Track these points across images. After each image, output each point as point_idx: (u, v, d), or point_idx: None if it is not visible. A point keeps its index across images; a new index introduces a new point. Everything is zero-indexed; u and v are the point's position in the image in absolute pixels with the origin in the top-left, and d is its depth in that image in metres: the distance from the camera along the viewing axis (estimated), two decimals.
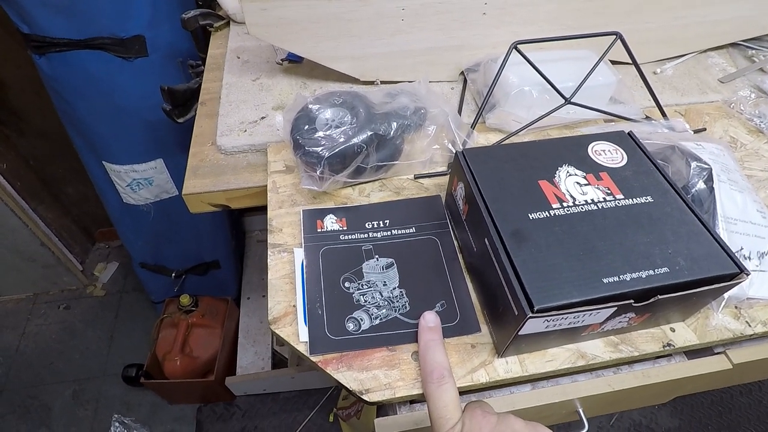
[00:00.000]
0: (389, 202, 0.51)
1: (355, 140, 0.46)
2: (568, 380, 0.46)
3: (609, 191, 0.41)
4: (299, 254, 0.46)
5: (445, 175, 0.54)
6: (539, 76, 0.54)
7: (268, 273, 0.45)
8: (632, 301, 0.34)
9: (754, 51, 0.72)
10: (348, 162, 0.47)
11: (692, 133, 0.59)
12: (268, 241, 0.47)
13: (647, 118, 0.60)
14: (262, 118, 0.60)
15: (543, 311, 0.33)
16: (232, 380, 1.26)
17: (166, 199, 1.11)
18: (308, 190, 0.51)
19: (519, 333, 0.35)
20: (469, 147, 0.48)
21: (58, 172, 1.40)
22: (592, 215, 0.39)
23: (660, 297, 0.35)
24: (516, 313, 0.34)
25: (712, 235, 0.38)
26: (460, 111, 0.62)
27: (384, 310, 0.42)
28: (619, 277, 0.35)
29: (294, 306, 0.43)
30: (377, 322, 0.41)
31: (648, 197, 0.41)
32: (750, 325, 0.44)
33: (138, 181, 1.05)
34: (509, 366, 0.40)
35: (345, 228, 0.48)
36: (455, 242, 0.48)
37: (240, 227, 1.57)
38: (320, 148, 0.46)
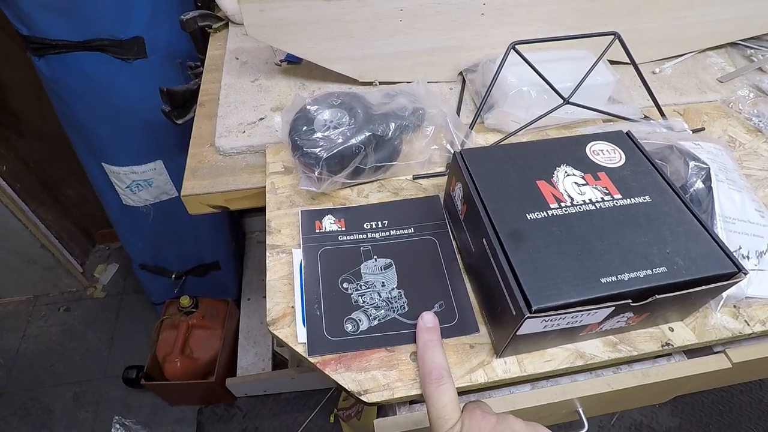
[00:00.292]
0: (388, 203, 0.51)
1: (353, 141, 0.46)
2: (567, 380, 0.46)
3: (607, 191, 0.41)
4: (298, 255, 0.46)
5: (444, 175, 0.54)
6: (537, 76, 0.54)
7: (267, 274, 0.45)
8: (630, 300, 0.34)
9: (752, 50, 0.72)
10: (346, 163, 0.47)
11: (691, 132, 0.59)
12: (267, 242, 0.47)
13: (646, 117, 0.60)
14: (261, 119, 0.60)
15: (541, 311, 0.33)
16: (233, 381, 1.26)
17: (166, 201, 1.11)
18: (307, 191, 0.51)
19: (517, 333, 0.35)
20: (467, 147, 0.48)
21: (58, 174, 1.40)
22: (590, 215, 0.39)
23: (658, 297, 0.35)
24: (514, 314, 0.34)
25: (710, 235, 0.38)
26: (458, 111, 0.62)
27: (382, 311, 0.42)
28: (617, 277, 0.35)
29: (292, 307, 0.43)
30: (376, 322, 0.41)
31: (646, 197, 0.41)
32: (749, 324, 0.44)
33: (137, 183, 1.05)
34: (508, 366, 0.40)
35: (343, 229, 0.48)
36: (454, 243, 0.48)
37: (240, 228, 1.57)
38: (318, 149, 0.46)
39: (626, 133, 0.47)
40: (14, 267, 1.44)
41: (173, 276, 1.30)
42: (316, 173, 0.46)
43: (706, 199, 0.45)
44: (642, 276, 0.35)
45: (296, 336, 0.41)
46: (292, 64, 0.67)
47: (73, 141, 1.01)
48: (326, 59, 0.61)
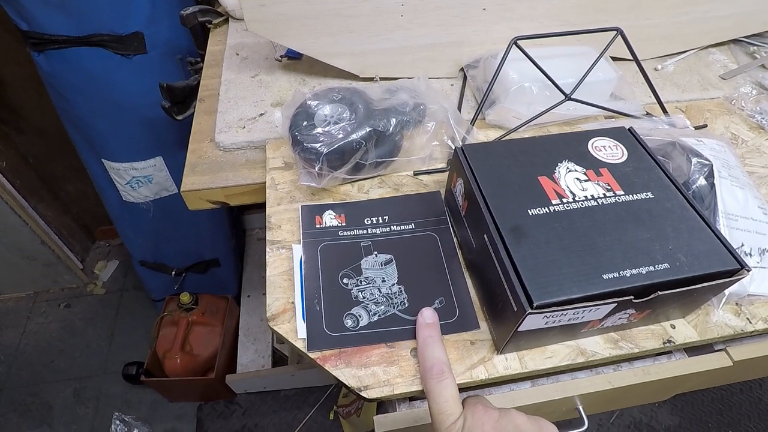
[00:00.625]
0: (388, 198, 0.51)
1: (353, 136, 0.46)
2: (568, 377, 0.46)
3: (609, 187, 0.40)
4: (298, 250, 0.46)
5: (445, 171, 0.53)
6: (539, 72, 0.53)
7: (267, 270, 0.45)
8: (632, 297, 0.34)
9: (755, 47, 0.72)
10: (347, 158, 0.47)
11: (693, 129, 0.58)
12: (267, 238, 0.47)
13: (648, 114, 0.60)
14: (261, 114, 0.60)
15: (542, 307, 0.33)
16: (233, 378, 1.26)
17: (166, 197, 1.11)
18: (307, 187, 0.51)
19: (518, 329, 0.35)
20: (468, 143, 0.48)
21: (58, 170, 1.40)
22: (592, 211, 0.38)
23: (660, 293, 0.34)
24: (515, 309, 0.34)
25: (712, 231, 0.38)
26: (459, 107, 0.62)
27: (382, 307, 0.42)
28: (619, 273, 0.35)
29: (292, 303, 0.42)
30: (376, 318, 0.41)
31: (648, 193, 0.40)
32: (751, 322, 0.44)
33: (137, 179, 1.04)
34: (508, 363, 0.40)
35: (344, 224, 0.48)
36: (454, 239, 0.47)
37: (240, 225, 1.57)
38: (319, 145, 0.45)
39: (628, 129, 0.46)
40: (14, 263, 1.44)
41: (173, 273, 1.30)
42: (316, 169, 0.46)
43: (708, 195, 0.45)
44: (644, 272, 0.35)
45: (296, 331, 0.41)
46: (293, 60, 0.67)
47: (73, 137, 1.01)
48: (327, 54, 0.60)
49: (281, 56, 0.67)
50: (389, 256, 0.45)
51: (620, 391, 0.46)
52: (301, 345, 0.40)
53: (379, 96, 0.51)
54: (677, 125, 0.56)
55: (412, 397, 0.45)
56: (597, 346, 0.41)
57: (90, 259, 1.67)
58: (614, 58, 0.62)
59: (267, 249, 0.46)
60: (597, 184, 0.41)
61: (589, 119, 0.60)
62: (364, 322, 0.41)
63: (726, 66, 0.70)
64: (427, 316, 0.40)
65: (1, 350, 1.47)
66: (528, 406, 0.44)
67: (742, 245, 0.44)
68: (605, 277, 0.34)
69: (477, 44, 0.62)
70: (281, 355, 1.35)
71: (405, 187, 0.52)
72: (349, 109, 0.48)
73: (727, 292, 0.43)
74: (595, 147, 0.44)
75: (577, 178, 0.41)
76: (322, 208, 0.49)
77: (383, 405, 0.47)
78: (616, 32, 0.56)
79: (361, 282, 0.43)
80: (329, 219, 0.48)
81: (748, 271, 0.36)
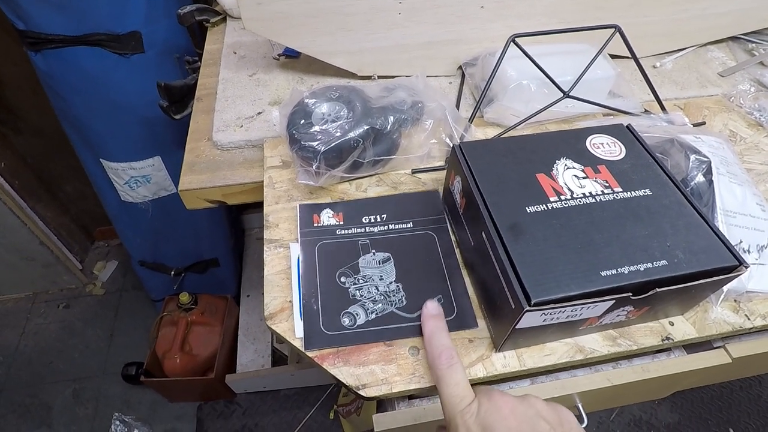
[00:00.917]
0: (386, 197, 0.51)
1: (351, 134, 0.46)
2: (567, 375, 0.46)
3: (607, 184, 0.40)
4: (295, 249, 0.46)
5: (443, 169, 0.53)
6: (537, 69, 0.53)
7: (265, 269, 0.45)
8: (630, 294, 0.34)
9: (754, 44, 0.72)
10: (344, 156, 0.47)
11: (691, 126, 0.58)
12: (265, 237, 0.47)
13: (646, 111, 0.60)
14: (259, 113, 0.60)
15: (540, 305, 0.33)
16: (233, 378, 1.26)
17: (165, 197, 1.11)
18: (305, 186, 0.51)
19: (516, 327, 0.35)
20: (466, 141, 0.48)
21: (56, 170, 1.40)
22: (590, 208, 0.38)
23: (658, 290, 0.34)
24: (513, 307, 0.34)
25: (711, 228, 0.38)
26: (458, 105, 0.61)
27: (380, 305, 0.42)
28: (617, 270, 0.35)
29: (290, 301, 0.42)
30: (373, 316, 0.41)
31: (646, 190, 0.40)
32: (749, 319, 0.44)
33: (136, 179, 1.04)
34: (507, 360, 0.40)
35: (342, 223, 0.47)
36: (453, 237, 0.47)
37: (239, 225, 1.57)
38: (316, 143, 0.45)
39: (627, 126, 0.46)
40: (13, 264, 1.44)
41: (172, 273, 1.29)
42: (314, 167, 0.46)
43: (707, 192, 0.45)
44: (642, 269, 0.35)
45: (294, 330, 0.41)
46: (291, 58, 0.67)
47: (71, 137, 1.01)
48: (324, 53, 0.60)
49: (279, 55, 0.67)
50: (387, 254, 0.45)
51: (619, 388, 0.46)
52: (298, 344, 0.40)
53: (376, 94, 0.51)
54: (676, 122, 0.56)
55: (411, 396, 0.45)
56: (595, 343, 0.41)
57: (89, 260, 1.67)
58: (613, 56, 0.62)
59: (264, 248, 0.46)
60: (595, 181, 0.41)
61: (587, 117, 0.60)
62: (361, 320, 0.41)
63: (724, 63, 0.70)
64: (432, 307, 0.40)
65: (0, 351, 1.47)
66: None
67: (741, 242, 0.44)
68: (603, 274, 0.34)
69: (475, 42, 0.62)
70: (281, 354, 1.35)
71: (403, 186, 0.52)
72: (347, 107, 0.48)
73: (725, 288, 0.43)
74: (593, 144, 0.44)
75: (575, 175, 0.41)
76: (319, 207, 0.49)
77: (383, 404, 0.47)
78: (614, 30, 0.56)
79: (358, 280, 0.43)
80: (327, 218, 0.48)
81: (746, 267, 0.36)
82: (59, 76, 0.86)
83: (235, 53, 0.68)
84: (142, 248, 1.25)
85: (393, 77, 0.63)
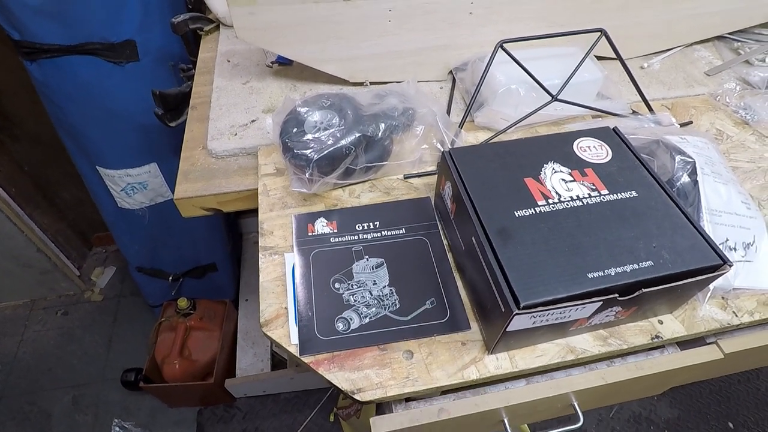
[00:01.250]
0: (379, 204, 0.51)
1: (343, 142, 0.47)
2: (562, 374, 0.47)
3: (594, 187, 0.41)
4: (290, 257, 0.46)
5: (435, 174, 0.54)
6: (526, 74, 0.54)
7: (260, 275, 0.45)
8: (617, 295, 0.35)
9: (739, 43, 0.73)
10: (337, 164, 0.47)
11: (678, 126, 0.59)
12: (260, 244, 0.48)
13: (634, 112, 0.61)
14: (253, 121, 0.60)
15: (529, 307, 0.33)
16: (232, 382, 1.27)
17: (161, 203, 1.11)
18: (298, 193, 0.51)
19: (507, 329, 0.36)
20: (457, 146, 0.48)
21: (53, 177, 1.40)
22: (577, 211, 0.39)
23: (644, 290, 0.35)
24: (503, 310, 0.35)
25: (695, 228, 0.39)
26: (449, 110, 0.62)
27: (374, 309, 0.42)
28: (603, 272, 0.35)
29: (285, 308, 0.43)
30: (367, 320, 0.42)
31: (633, 192, 0.41)
32: (737, 315, 0.44)
33: (132, 186, 1.05)
34: (499, 362, 0.41)
35: (335, 231, 0.48)
36: (444, 241, 0.48)
37: (236, 229, 1.57)
38: (309, 151, 0.46)
39: (613, 129, 0.47)
40: (10, 271, 1.44)
41: (170, 278, 1.30)
42: (307, 175, 0.47)
43: (692, 192, 0.46)
44: (629, 270, 0.36)
45: (289, 336, 0.41)
46: (283, 66, 0.67)
47: (67, 144, 1.01)
48: (316, 60, 0.61)
49: (272, 62, 0.67)
50: (380, 259, 0.46)
51: (614, 386, 0.46)
52: (294, 350, 0.41)
53: (368, 101, 0.52)
54: (663, 123, 0.57)
55: (408, 398, 0.45)
56: (586, 343, 0.42)
57: (87, 266, 1.67)
58: (601, 58, 0.63)
59: (260, 255, 0.47)
60: (582, 184, 0.41)
61: (576, 119, 0.60)
62: (355, 324, 0.42)
63: (711, 62, 0.71)
64: None
65: None
66: (523, 404, 0.45)
67: (727, 240, 0.45)
68: (590, 276, 0.35)
69: (465, 47, 0.63)
70: (280, 358, 1.35)
71: (396, 191, 0.53)
72: (339, 115, 0.49)
73: (711, 286, 0.44)
74: (580, 147, 0.45)
75: (563, 179, 0.42)
76: (314, 216, 0.49)
77: (382, 406, 0.47)
78: (600, 33, 0.57)
79: (352, 286, 0.44)
80: (321, 227, 0.48)
81: (730, 266, 0.36)
82: (55, 85, 0.87)
83: (229, 61, 0.69)
84: (139, 254, 1.25)
85: (385, 83, 0.63)
